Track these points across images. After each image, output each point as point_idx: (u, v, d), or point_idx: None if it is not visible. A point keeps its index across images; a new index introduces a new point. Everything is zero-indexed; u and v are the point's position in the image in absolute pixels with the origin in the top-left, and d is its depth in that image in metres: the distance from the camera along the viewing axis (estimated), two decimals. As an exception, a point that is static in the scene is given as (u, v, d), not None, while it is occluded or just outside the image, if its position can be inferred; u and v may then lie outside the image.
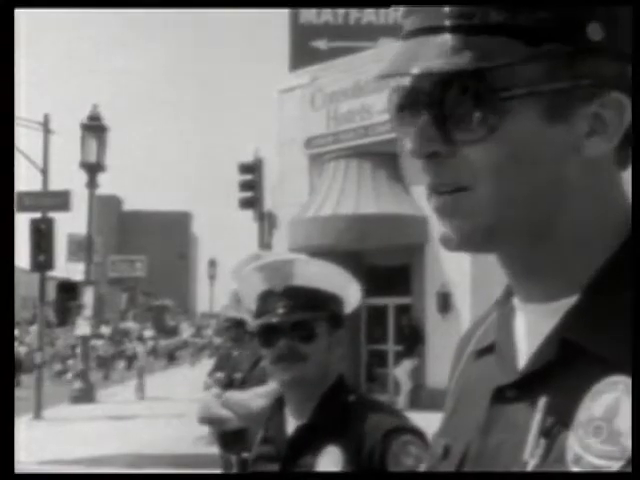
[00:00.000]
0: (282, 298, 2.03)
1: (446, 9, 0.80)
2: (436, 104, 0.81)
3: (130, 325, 49.57)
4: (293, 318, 2.01)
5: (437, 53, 0.79)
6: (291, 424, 2.04)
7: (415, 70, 0.80)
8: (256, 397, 3.74)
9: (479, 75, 0.78)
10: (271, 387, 3.66)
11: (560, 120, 0.81)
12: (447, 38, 0.79)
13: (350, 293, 2.13)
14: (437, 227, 0.86)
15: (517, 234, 0.83)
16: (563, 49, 0.79)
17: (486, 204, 0.81)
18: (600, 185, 0.84)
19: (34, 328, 20.85)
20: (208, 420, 4.24)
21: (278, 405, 2.12)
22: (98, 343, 26.38)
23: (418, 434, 1.90)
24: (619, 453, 0.73)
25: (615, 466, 0.73)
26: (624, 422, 0.74)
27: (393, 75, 0.83)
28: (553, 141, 0.81)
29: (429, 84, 0.81)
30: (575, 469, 0.75)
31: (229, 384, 4.33)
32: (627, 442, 0.73)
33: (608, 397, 0.76)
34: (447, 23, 0.80)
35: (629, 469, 0.72)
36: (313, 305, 2.03)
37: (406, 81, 0.84)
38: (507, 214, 0.82)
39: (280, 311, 2.02)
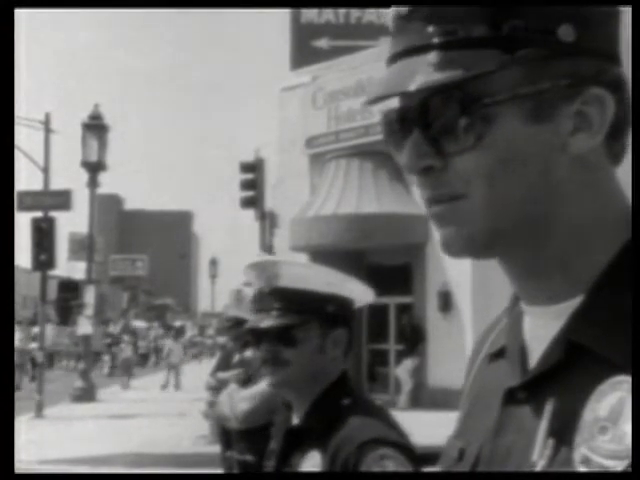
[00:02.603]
0: (270, 299, 2.03)
1: (430, 28, 0.83)
2: (425, 119, 0.84)
3: (139, 324, 50.10)
4: (277, 322, 1.99)
5: (422, 71, 0.82)
6: (294, 422, 2.03)
7: (402, 90, 0.83)
8: (240, 400, 3.75)
9: (462, 86, 0.81)
10: (254, 391, 3.67)
11: (544, 120, 0.83)
12: (431, 56, 0.82)
13: (351, 290, 2.09)
14: (437, 234, 0.88)
15: (516, 237, 0.85)
16: (537, 53, 0.82)
17: (482, 209, 0.83)
18: (594, 182, 0.85)
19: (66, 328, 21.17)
20: (211, 415, 4.24)
21: (287, 402, 2.11)
22: (123, 346, 28.39)
23: (401, 448, 1.80)
24: (625, 452, 0.74)
25: (620, 466, 0.74)
26: (628, 422, 0.75)
27: (383, 98, 0.85)
28: (540, 141, 0.83)
29: (417, 101, 0.84)
30: (583, 469, 0.76)
31: (245, 382, 4.33)
32: (631, 441, 0.74)
33: (612, 397, 0.76)
34: (431, 41, 0.83)
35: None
36: (301, 307, 2.00)
37: (395, 103, 0.87)
38: (503, 217, 0.83)
39: (266, 314, 2.02)
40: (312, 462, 1.87)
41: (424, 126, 0.84)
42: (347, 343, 2.06)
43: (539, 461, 0.80)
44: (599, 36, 0.84)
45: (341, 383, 2.02)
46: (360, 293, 2.11)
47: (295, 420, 2.02)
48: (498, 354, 0.96)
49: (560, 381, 0.82)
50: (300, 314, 1.99)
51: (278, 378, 1.99)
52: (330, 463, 1.82)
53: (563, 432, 0.79)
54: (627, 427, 0.74)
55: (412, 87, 0.82)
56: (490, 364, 0.98)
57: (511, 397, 0.87)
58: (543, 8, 0.82)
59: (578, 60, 0.83)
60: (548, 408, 0.81)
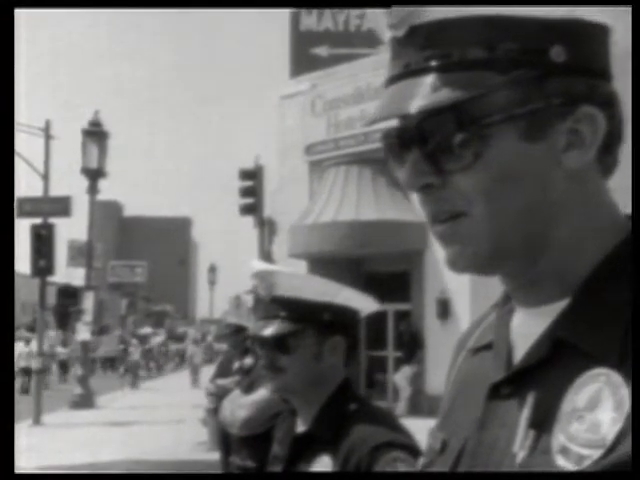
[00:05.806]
0: (268, 307, 2.09)
1: (426, 52, 0.86)
2: (423, 139, 0.87)
3: (148, 331, 50.87)
4: (274, 330, 2.04)
5: (421, 93, 0.85)
6: (300, 428, 2.06)
7: (402, 112, 0.87)
8: (239, 407, 3.78)
9: (459, 107, 0.84)
10: (253, 399, 3.69)
11: (539, 139, 0.86)
12: (429, 78, 0.85)
13: (348, 299, 2.11)
14: (442, 251, 0.91)
15: (516, 253, 0.88)
16: (530, 74, 0.85)
17: (483, 227, 0.86)
18: (588, 196, 0.88)
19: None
20: (210, 422, 4.25)
21: (292, 408, 2.14)
22: (132, 350, 30.50)
23: (412, 451, 1.82)
24: (600, 442, 0.76)
25: (595, 455, 0.76)
26: (604, 412, 0.77)
27: (383, 119, 0.88)
28: (535, 159, 0.86)
29: (415, 122, 0.87)
30: (560, 459, 0.78)
31: (248, 388, 4.35)
32: (606, 431, 0.76)
33: (590, 388, 0.79)
34: (428, 64, 0.86)
35: (608, 458, 0.75)
36: (298, 315, 2.04)
37: (394, 123, 0.91)
38: (504, 234, 0.86)
39: (267, 322, 2.07)
40: (322, 466, 1.90)
41: (423, 145, 0.87)
42: (347, 350, 2.09)
43: (520, 452, 0.82)
44: (590, 55, 0.87)
45: (345, 389, 2.06)
46: (361, 302, 2.15)
47: (300, 427, 2.06)
48: (484, 348, 0.98)
49: (543, 376, 0.85)
50: (296, 322, 2.04)
51: (276, 384, 2.05)
52: (342, 467, 1.85)
53: (543, 423, 0.81)
54: (603, 417, 0.77)
55: (411, 109, 0.85)
56: (474, 357, 1.01)
57: (496, 392, 0.89)
58: (535, 29, 0.84)
59: (570, 79, 0.86)
60: (530, 400, 0.84)
